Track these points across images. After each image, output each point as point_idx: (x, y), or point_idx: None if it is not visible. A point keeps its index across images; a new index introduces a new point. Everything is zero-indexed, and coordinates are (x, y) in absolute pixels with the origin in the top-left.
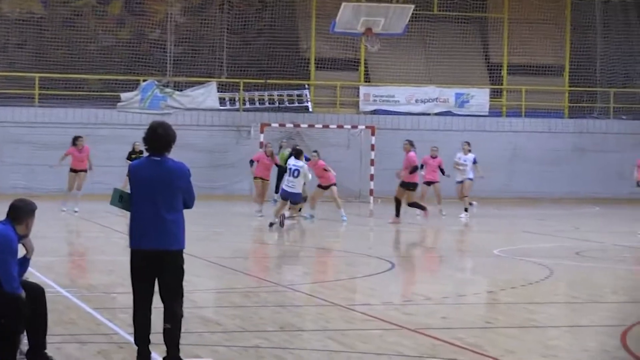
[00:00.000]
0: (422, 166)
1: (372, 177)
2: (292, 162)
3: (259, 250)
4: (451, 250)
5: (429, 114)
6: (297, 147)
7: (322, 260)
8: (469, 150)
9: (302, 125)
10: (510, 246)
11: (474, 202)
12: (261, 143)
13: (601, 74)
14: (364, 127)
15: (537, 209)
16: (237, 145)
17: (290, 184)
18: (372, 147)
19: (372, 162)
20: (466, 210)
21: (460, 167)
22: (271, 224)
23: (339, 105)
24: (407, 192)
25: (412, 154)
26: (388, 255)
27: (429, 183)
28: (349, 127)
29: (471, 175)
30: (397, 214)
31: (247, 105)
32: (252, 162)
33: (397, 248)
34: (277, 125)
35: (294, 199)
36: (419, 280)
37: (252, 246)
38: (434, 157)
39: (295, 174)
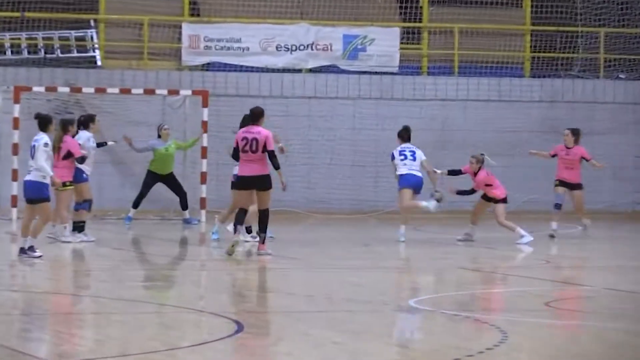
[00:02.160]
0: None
1: (203, 178)
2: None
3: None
4: (342, 301)
5: (299, 71)
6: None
7: (123, 319)
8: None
9: (85, 90)
10: (437, 293)
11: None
12: (73, 121)
13: (586, 6)
14: (189, 92)
15: (480, 228)
16: None
17: (28, 169)
18: (205, 126)
19: (203, 153)
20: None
21: None
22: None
23: (147, 57)
24: None
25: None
26: (233, 310)
27: None
28: (165, 92)
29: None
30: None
31: None
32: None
33: (249, 298)
34: (42, 89)
35: (37, 195)
36: (282, 352)
37: None
38: None
39: (32, 152)
